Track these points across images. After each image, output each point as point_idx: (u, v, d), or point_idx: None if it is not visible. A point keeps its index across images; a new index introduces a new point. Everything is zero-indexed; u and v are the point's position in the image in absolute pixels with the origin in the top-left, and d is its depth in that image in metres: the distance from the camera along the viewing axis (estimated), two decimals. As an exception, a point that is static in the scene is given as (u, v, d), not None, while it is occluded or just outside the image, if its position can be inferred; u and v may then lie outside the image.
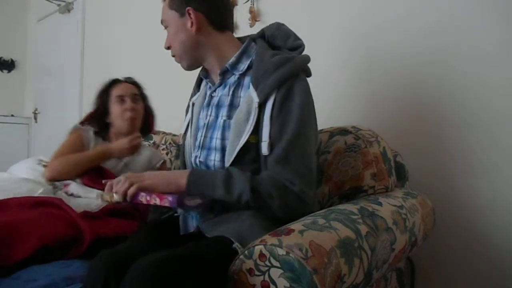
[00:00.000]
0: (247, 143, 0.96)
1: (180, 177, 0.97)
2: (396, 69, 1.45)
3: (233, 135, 0.99)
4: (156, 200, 0.95)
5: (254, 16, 1.87)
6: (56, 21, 3.67)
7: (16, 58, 4.13)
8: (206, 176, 0.97)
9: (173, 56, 1.11)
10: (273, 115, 0.95)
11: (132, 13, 2.75)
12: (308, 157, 0.96)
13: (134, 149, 1.50)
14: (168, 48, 1.11)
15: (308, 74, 1.08)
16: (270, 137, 0.95)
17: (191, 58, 1.09)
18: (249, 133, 0.96)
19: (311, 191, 0.96)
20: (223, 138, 1.03)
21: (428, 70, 1.37)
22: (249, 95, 0.99)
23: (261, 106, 0.97)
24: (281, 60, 0.98)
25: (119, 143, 1.49)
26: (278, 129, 0.95)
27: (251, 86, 0.99)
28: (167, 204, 0.92)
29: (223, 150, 1.02)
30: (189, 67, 1.12)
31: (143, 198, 0.99)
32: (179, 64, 1.13)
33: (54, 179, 1.48)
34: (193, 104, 1.17)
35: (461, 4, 1.30)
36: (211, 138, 1.05)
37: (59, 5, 3.53)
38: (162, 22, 1.11)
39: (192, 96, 1.20)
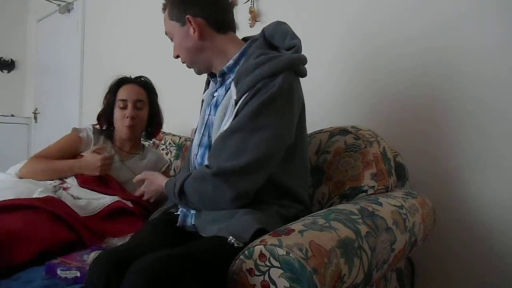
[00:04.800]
0: None
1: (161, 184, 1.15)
2: (395, 70, 1.45)
3: (214, 132, 1.03)
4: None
5: (254, 16, 1.87)
6: (56, 21, 3.67)
7: (16, 58, 4.12)
8: (171, 183, 1.05)
9: (184, 63, 1.14)
10: (238, 110, 0.97)
11: (132, 13, 2.75)
12: (238, 155, 0.92)
13: (105, 168, 1.46)
14: (177, 57, 1.14)
15: (300, 73, 1.03)
16: None
17: (200, 63, 1.11)
18: (224, 129, 0.98)
19: (230, 181, 0.92)
20: (209, 136, 1.08)
21: (426, 70, 1.37)
22: (230, 93, 1.01)
23: (237, 103, 0.98)
24: (263, 59, 0.97)
25: (92, 160, 1.45)
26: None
27: (232, 84, 1.01)
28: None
29: (210, 147, 1.05)
30: (201, 72, 1.15)
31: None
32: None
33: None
34: (202, 101, 1.20)
35: (459, 5, 1.30)
36: (206, 136, 1.10)
37: (59, 5, 3.53)
38: (166, 34, 1.14)
39: (203, 92, 1.23)
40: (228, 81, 1.08)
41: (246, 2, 1.90)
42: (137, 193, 1.40)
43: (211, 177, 0.93)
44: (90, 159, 1.46)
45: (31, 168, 1.48)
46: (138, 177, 1.32)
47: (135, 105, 1.56)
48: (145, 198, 1.38)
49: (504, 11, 1.22)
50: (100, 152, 1.49)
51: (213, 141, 1.02)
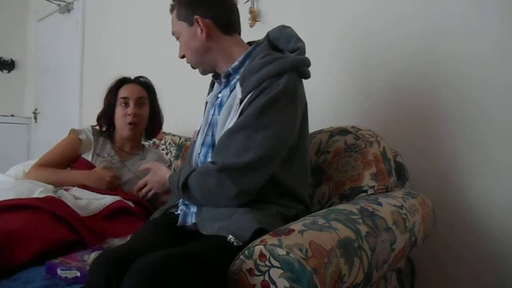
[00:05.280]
0: None
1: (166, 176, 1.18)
2: (395, 70, 1.45)
3: (218, 132, 1.04)
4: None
5: (254, 16, 1.87)
6: (56, 21, 3.67)
7: (16, 58, 4.12)
8: (175, 176, 1.06)
9: (189, 63, 1.15)
10: (243, 109, 0.98)
11: (132, 13, 2.75)
12: (243, 152, 0.93)
13: (111, 184, 1.48)
14: (182, 57, 1.15)
15: (303, 75, 1.05)
16: None
17: (205, 63, 1.13)
18: (229, 127, 0.99)
19: (234, 177, 0.92)
20: (213, 135, 1.09)
21: (426, 70, 1.37)
22: (235, 92, 1.02)
23: (242, 102, 0.99)
24: (268, 60, 0.99)
25: (102, 175, 1.47)
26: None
27: (237, 84, 1.02)
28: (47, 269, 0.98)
29: (214, 146, 1.06)
30: (205, 72, 1.17)
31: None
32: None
33: None
34: (206, 103, 1.21)
35: (459, 5, 1.30)
36: (210, 135, 1.11)
37: (59, 5, 3.53)
38: (173, 34, 1.15)
39: (207, 95, 1.24)
40: (232, 82, 1.09)
41: (246, 2, 1.90)
42: (141, 182, 1.38)
43: (215, 172, 0.94)
44: (100, 173, 1.48)
45: (34, 178, 1.46)
46: (145, 165, 1.35)
47: (136, 103, 1.57)
48: (147, 188, 1.34)
49: (504, 12, 1.22)
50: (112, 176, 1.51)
51: (216, 140, 1.04)
